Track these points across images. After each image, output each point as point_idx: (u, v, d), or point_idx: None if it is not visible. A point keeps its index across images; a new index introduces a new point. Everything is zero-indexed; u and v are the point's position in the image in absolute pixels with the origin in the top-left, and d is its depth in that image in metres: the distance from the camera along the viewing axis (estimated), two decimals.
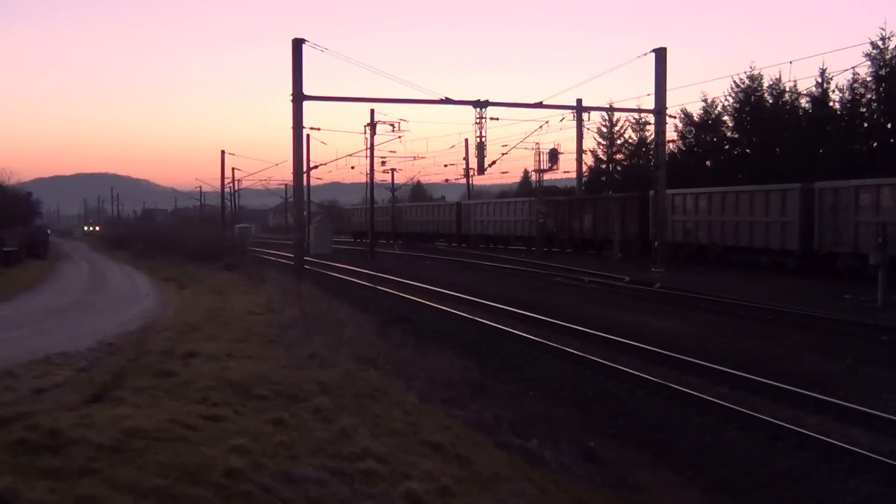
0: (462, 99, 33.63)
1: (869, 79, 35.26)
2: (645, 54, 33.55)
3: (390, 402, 9.04)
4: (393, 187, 68.73)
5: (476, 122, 33.61)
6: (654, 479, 9.22)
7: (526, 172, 70.80)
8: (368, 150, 45.88)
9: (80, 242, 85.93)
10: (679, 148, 44.56)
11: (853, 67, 44.13)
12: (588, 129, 49.91)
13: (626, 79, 42.63)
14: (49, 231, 66.96)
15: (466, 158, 59.71)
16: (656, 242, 33.14)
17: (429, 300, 23.85)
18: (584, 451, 9.50)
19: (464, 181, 65.63)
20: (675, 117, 41.17)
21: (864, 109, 36.05)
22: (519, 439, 9.17)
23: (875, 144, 34.87)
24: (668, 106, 34.44)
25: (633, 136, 52.92)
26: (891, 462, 8.73)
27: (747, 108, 41.16)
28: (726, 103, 42.61)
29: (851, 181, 26.04)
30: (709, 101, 43.51)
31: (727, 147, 43.21)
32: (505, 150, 44.11)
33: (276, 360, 10.65)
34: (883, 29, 34.16)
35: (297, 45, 30.91)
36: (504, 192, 78.62)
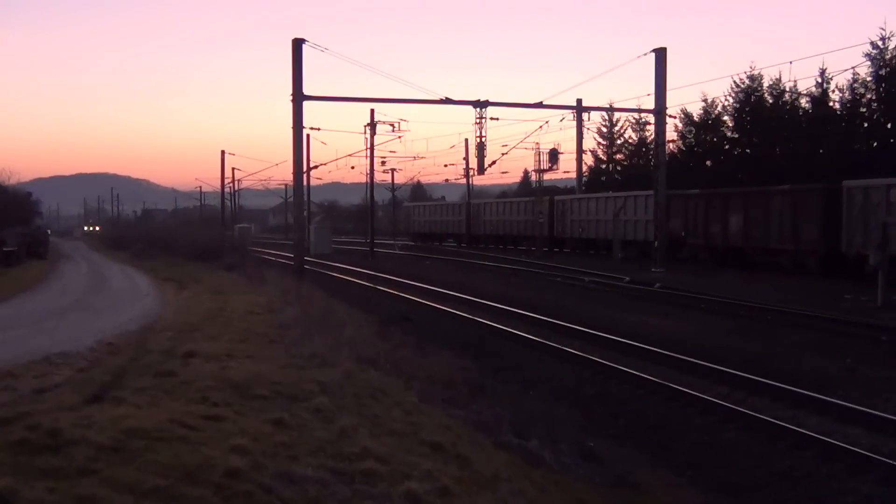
0: (462, 99, 33.76)
1: (869, 79, 35.30)
2: (645, 54, 33.64)
3: (390, 402, 9.04)
4: (393, 187, 68.83)
5: (476, 122, 33.71)
6: (654, 479, 9.21)
7: (526, 172, 70.99)
8: (368, 150, 45.98)
9: (80, 242, 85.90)
10: (679, 148, 44.58)
11: (853, 67, 44.13)
12: (588, 129, 50.09)
13: (626, 79, 42.67)
14: (49, 231, 66.98)
15: (466, 158, 59.87)
16: (656, 242, 33.14)
17: (429, 300, 23.86)
18: (584, 451, 9.49)
19: (464, 181, 65.71)
20: (675, 117, 41.24)
21: (864, 109, 36.06)
22: (519, 439, 9.17)
23: (875, 144, 34.87)
24: (668, 106, 34.56)
25: (633, 136, 53.11)
26: (891, 462, 8.73)
27: (747, 108, 41.18)
28: (726, 103, 42.69)
29: None
30: (709, 101, 43.59)
31: (727, 147, 43.23)
32: (505, 150, 44.14)
33: (276, 360, 10.65)
34: (883, 29, 34.21)
35: (297, 45, 30.95)
36: (504, 192, 78.64)
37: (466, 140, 55.03)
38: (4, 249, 36.48)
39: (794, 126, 38.32)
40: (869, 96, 35.81)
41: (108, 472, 5.57)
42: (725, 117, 43.33)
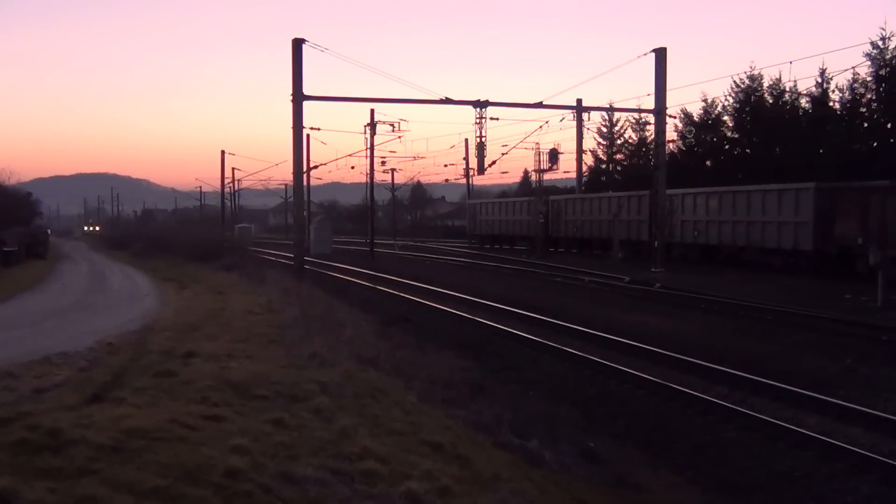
0: (462, 99, 33.68)
1: (869, 79, 35.32)
2: (645, 54, 33.60)
3: (390, 402, 9.04)
4: (393, 187, 68.85)
5: (476, 122, 33.65)
6: (654, 479, 9.21)
7: (526, 172, 70.95)
8: (368, 150, 45.97)
9: (80, 242, 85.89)
10: (679, 148, 44.64)
11: (853, 67, 44.21)
12: (588, 129, 50.08)
13: (626, 79, 42.64)
14: (49, 231, 66.93)
15: (466, 158, 59.97)
16: (656, 242, 33.12)
17: (429, 300, 23.85)
18: (584, 450, 9.50)
19: (464, 181, 65.76)
20: (675, 117, 41.27)
21: (864, 109, 36.08)
22: (519, 439, 9.17)
23: (875, 144, 34.88)
24: (668, 106, 34.49)
25: (633, 136, 53.15)
26: (891, 462, 8.73)
27: (747, 108, 41.23)
28: (726, 103, 42.79)
29: None
30: (709, 101, 43.68)
31: (727, 147, 43.28)
32: (505, 150, 44.11)
33: (276, 360, 10.65)
34: (883, 29, 34.24)
35: (297, 45, 30.93)
36: (504, 192, 78.65)
37: (466, 140, 55.09)
38: (4, 249, 36.44)
39: (794, 126, 38.33)
40: (869, 96, 35.82)
41: (108, 472, 5.57)
42: (725, 117, 43.44)
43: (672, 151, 42.02)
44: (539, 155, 43.69)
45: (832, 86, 37.20)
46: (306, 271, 31.41)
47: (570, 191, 53.96)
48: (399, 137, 41.65)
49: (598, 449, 9.69)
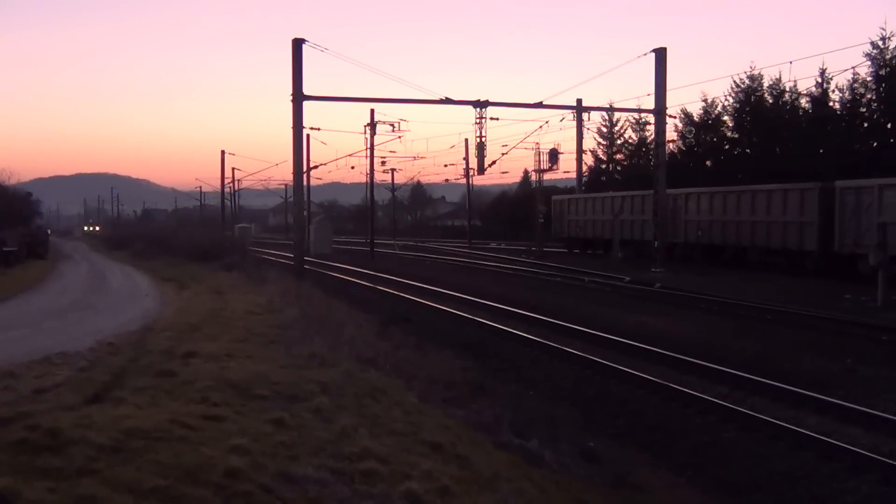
0: (462, 99, 33.66)
1: (869, 79, 35.35)
2: (645, 54, 33.58)
3: (390, 402, 9.04)
4: (393, 187, 68.90)
5: (476, 122, 33.63)
6: (654, 479, 9.21)
7: (526, 172, 70.89)
8: (368, 150, 46.01)
9: (80, 242, 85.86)
10: (679, 148, 44.66)
11: (853, 67, 44.26)
12: (588, 129, 50.14)
13: (626, 79, 42.63)
14: (49, 231, 66.90)
15: (466, 158, 59.91)
16: (656, 243, 33.09)
17: (429, 300, 23.84)
18: (584, 450, 9.49)
19: (464, 181, 65.75)
20: (675, 117, 41.28)
21: (864, 109, 36.10)
22: (519, 439, 9.17)
23: (875, 144, 34.90)
24: (668, 106, 34.46)
25: (633, 136, 53.19)
26: (891, 462, 8.73)
27: (747, 108, 41.25)
28: (726, 103, 42.84)
29: None
30: (709, 101, 43.72)
31: (727, 147, 43.30)
32: (505, 150, 44.09)
33: (276, 360, 10.65)
34: (883, 29, 34.28)
35: (297, 45, 30.94)
36: (504, 192, 78.65)
37: (466, 140, 55.07)
38: (4, 249, 36.43)
39: (794, 126, 38.35)
40: (869, 96, 35.84)
41: (108, 472, 5.57)
42: (725, 117, 43.48)
43: (672, 151, 42.02)
44: (539, 155, 43.70)
45: (832, 86, 37.33)
46: (306, 271, 31.42)
47: (571, 191, 53.81)
48: (399, 137, 41.63)
49: (597, 449, 9.68)
